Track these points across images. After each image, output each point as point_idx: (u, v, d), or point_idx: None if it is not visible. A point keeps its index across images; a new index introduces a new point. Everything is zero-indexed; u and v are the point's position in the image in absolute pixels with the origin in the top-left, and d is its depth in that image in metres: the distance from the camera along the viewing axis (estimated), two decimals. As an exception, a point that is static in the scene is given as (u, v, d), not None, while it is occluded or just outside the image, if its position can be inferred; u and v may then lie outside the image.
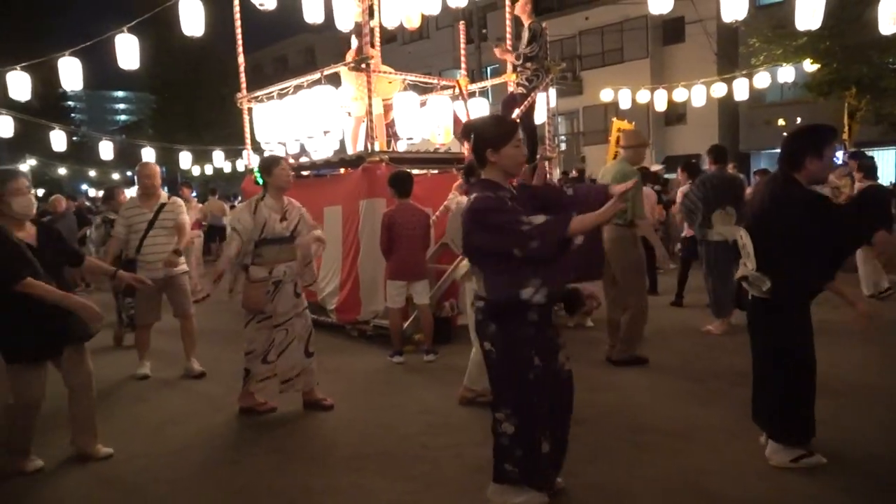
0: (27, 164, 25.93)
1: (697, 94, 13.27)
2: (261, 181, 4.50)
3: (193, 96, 28.14)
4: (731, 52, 18.95)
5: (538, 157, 7.54)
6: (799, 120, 20.95)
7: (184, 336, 5.48)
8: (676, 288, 7.49)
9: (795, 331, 3.17)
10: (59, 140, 13.28)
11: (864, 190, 6.53)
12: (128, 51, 7.59)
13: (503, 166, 2.79)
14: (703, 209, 5.95)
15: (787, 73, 12.46)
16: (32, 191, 3.56)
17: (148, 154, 16.74)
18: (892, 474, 3.17)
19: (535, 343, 2.77)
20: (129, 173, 33.15)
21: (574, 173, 14.84)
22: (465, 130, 2.90)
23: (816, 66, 12.09)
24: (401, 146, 7.68)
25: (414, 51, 28.36)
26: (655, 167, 11.04)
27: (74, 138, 22.77)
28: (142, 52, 7.74)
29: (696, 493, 3.06)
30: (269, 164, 4.40)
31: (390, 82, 7.45)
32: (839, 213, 3.26)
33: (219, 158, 20.28)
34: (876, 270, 7.31)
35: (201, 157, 21.48)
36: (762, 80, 12.51)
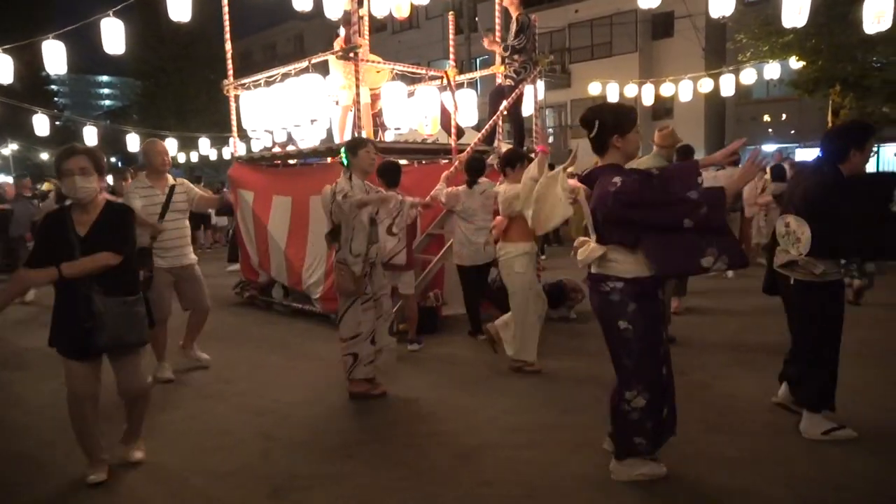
0: (8, 149, 25.58)
1: (685, 89, 13.34)
2: (346, 162, 4.45)
3: (181, 82, 27.87)
4: (719, 48, 19.05)
5: (525, 148, 7.56)
6: (784, 116, 21.24)
7: (193, 326, 5.21)
8: None
9: (837, 308, 3.53)
10: (41, 124, 13.10)
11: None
12: (113, 35, 7.50)
13: (626, 151, 3.00)
14: None
15: (773, 70, 12.54)
16: (89, 174, 3.14)
17: (133, 140, 16.58)
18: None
19: (661, 318, 3.06)
20: (112, 159, 32.82)
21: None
22: (589, 119, 3.00)
23: (802, 64, 12.17)
24: (388, 136, 7.67)
25: (403, 40, 28.25)
26: None
27: (58, 123, 22.46)
28: (128, 37, 7.65)
29: (678, 481, 3.12)
30: (356, 146, 4.43)
31: (378, 72, 7.43)
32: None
33: (205, 146, 20.10)
34: None
35: (187, 144, 21.27)
36: (749, 76, 12.60)
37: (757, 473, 3.16)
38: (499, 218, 5.08)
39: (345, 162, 4.46)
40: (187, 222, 5.01)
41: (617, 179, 2.85)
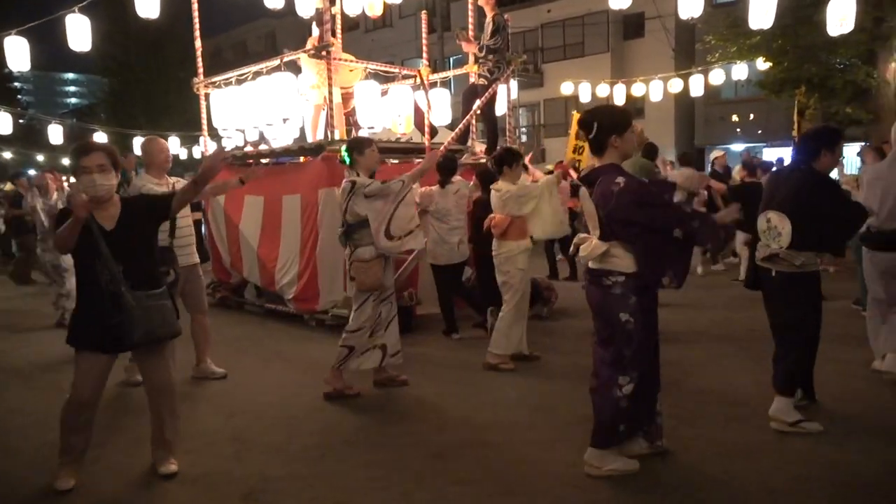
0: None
1: (655, 89, 13.52)
2: (347, 161, 4.46)
3: (149, 80, 27.36)
4: (689, 49, 19.34)
5: (498, 148, 7.59)
6: (752, 116, 21.63)
7: (198, 334, 4.96)
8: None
9: (816, 297, 3.74)
10: (4, 122, 12.79)
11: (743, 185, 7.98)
12: (79, 32, 7.36)
13: (623, 151, 3.15)
14: None
15: (741, 71, 12.77)
16: (108, 171, 3.08)
17: (100, 139, 16.26)
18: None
19: (656, 312, 3.22)
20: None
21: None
22: (587, 121, 3.16)
23: (769, 65, 12.41)
24: (361, 135, 7.64)
25: (376, 39, 28.12)
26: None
27: (21, 121, 21.90)
28: (94, 34, 7.51)
29: (650, 474, 3.16)
30: (362, 145, 4.47)
31: (351, 70, 7.39)
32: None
33: (175, 145, 19.78)
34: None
35: (157, 143, 20.92)
36: (717, 76, 12.81)
37: (726, 466, 3.22)
38: (499, 216, 5.09)
39: (347, 161, 4.48)
40: (192, 220, 4.89)
41: (620, 179, 3.01)
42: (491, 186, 5.29)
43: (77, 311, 3.16)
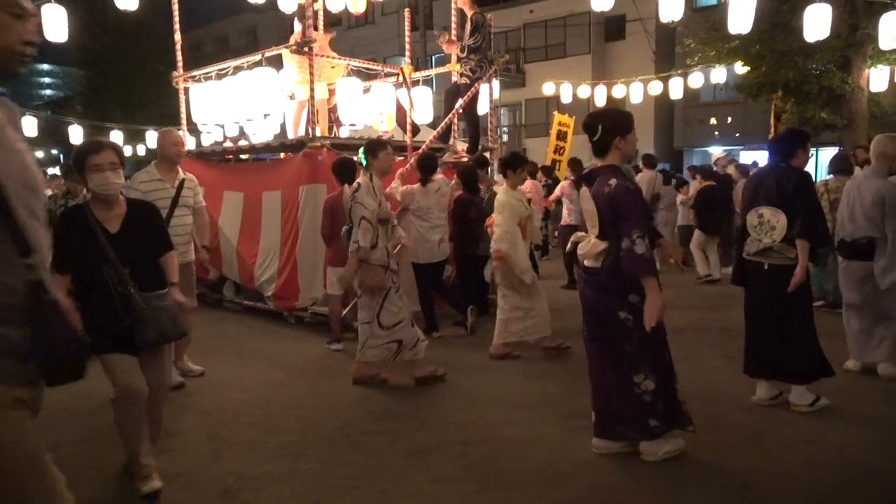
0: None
1: (635, 91, 13.66)
2: (364, 162, 4.53)
3: (127, 73, 26.93)
4: (669, 52, 19.55)
5: (480, 147, 7.61)
6: (730, 119, 21.92)
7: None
8: (567, 274, 8.12)
9: (806, 286, 3.87)
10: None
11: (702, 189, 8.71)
12: (55, 22, 7.21)
13: (625, 152, 3.26)
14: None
15: (719, 75, 12.94)
16: (118, 168, 3.05)
17: (76, 132, 16.01)
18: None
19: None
20: (54, 151, 31.61)
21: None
22: (591, 124, 3.24)
23: (747, 69, 12.58)
24: (343, 132, 7.61)
25: (359, 36, 28.02)
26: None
27: (-6, 113, 21.42)
28: (71, 25, 7.37)
29: (625, 470, 3.20)
30: (376, 147, 4.53)
31: (333, 67, 7.36)
32: None
33: (153, 139, 19.51)
34: (702, 260, 8.87)
35: (134, 138, 20.61)
36: (696, 79, 12.98)
37: (702, 463, 3.27)
38: (496, 216, 5.24)
39: (363, 162, 4.55)
40: (191, 218, 4.77)
41: (613, 181, 3.14)
42: (493, 187, 5.38)
43: (84, 318, 3.01)
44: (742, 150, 21.04)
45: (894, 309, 4.45)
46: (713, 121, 22.48)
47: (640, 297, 3.13)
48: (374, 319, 4.47)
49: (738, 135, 21.73)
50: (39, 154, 29.65)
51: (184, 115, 7.99)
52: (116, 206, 3.10)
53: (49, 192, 7.55)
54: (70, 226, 3.05)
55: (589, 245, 3.24)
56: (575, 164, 8.57)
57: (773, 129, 11.73)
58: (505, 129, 26.04)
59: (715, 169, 10.57)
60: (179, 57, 7.88)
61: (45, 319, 1.61)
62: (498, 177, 11.35)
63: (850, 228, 4.51)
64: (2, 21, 1.62)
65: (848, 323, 4.70)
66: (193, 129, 8.16)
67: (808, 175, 3.96)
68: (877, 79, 11.21)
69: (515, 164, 5.25)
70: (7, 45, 1.64)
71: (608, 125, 3.23)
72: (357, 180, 4.52)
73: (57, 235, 3.00)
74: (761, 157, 17.05)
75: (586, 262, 3.31)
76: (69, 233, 3.01)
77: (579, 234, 3.43)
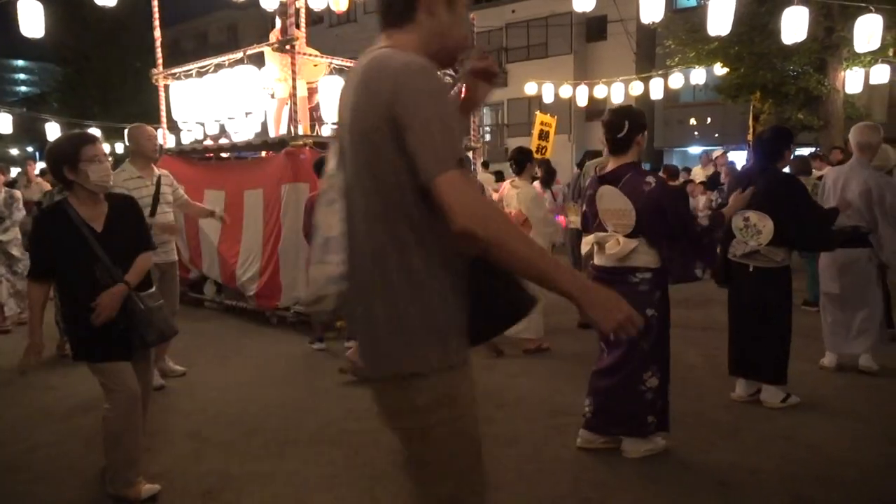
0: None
1: (616, 92, 13.75)
2: None
3: (105, 70, 26.56)
4: (650, 53, 19.70)
5: (462, 146, 7.62)
6: (709, 120, 22.18)
7: None
8: None
9: (788, 289, 3.98)
10: (-51, 110, 12.29)
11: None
12: (32, 17, 7.09)
13: (642, 148, 3.29)
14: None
15: (699, 76, 13.08)
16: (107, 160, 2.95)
17: (53, 129, 15.74)
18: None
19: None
20: (29, 149, 31.05)
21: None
22: (616, 121, 3.24)
23: (726, 70, 12.74)
24: (325, 131, 7.57)
25: (341, 34, 27.89)
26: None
27: (-33, 109, 21.07)
28: (48, 20, 7.26)
29: (607, 467, 3.23)
30: None
31: (315, 65, 7.33)
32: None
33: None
34: None
35: (112, 135, 20.31)
36: (676, 80, 13.11)
37: (680, 460, 3.31)
38: (515, 213, 5.29)
39: None
40: (172, 216, 4.68)
41: (651, 179, 3.18)
42: (510, 183, 5.44)
43: (79, 324, 2.87)
44: (721, 150, 21.26)
45: (873, 298, 4.53)
46: (693, 121, 22.73)
47: (664, 294, 3.24)
48: None
49: (717, 135, 21.98)
50: (15, 151, 29.17)
51: (164, 113, 7.91)
52: (99, 203, 2.97)
53: (47, 188, 7.41)
54: (54, 227, 2.86)
55: (620, 245, 3.20)
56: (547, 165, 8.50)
57: (751, 130, 11.90)
58: (487, 128, 26.09)
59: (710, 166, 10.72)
60: (159, 54, 7.80)
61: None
62: (482, 176, 11.38)
63: (840, 219, 4.39)
64: None
65: (825, 315, 4.73)
66: (174, 127, 8.09)
67: (796, 181, 4.02)
68: (852, 81, 11.42)
69: (525, 160, 5.39)
70: None
71: (634, 122, 3.23)
72: None
73: (38, 239, 2.89)
74: (739, 158, 17.28)
75: (611, 263, 3.27)
76: (54, 235, 2.85)
77: (600, 234, 3.35)
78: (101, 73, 26.72)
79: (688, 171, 12.20)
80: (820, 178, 6.43)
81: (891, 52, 11.09)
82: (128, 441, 2.93)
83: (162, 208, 4.54)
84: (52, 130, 15.65)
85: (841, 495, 2.96)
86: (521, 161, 5.37)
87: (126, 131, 4.67)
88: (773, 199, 3.83)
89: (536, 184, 8.34)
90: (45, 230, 2.88)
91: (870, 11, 7.85)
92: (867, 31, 7.90)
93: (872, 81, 11.05)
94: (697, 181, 10.61)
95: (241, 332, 6.30)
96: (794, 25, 7.43)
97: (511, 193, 5.38)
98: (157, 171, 4.62)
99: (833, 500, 2.91)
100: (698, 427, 3.72)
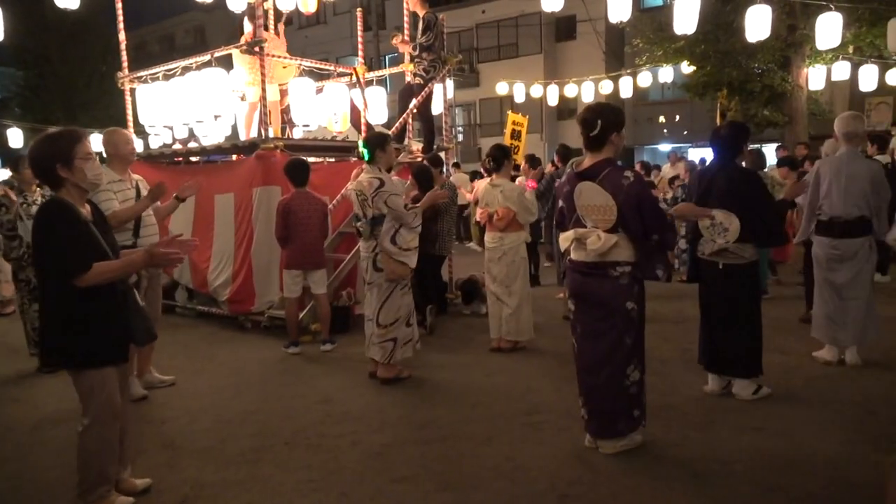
0: None
1: (587, 91, 13.88)
2: (367, 157, 4.52)
3: (68, 73, 25.99)
4: (619, 52, 19.93)
5: (435, 147, 7.63)
6: (678, 118, 22.51)
7: (145, 349, 4.49)
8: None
9: (757, 284, 4.10)
10: None
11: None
12: (-11, 20, 6.91)
13: (618, 147, 3.30)
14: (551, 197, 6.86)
15: (667, 74, 13.27)
16: None
17: (15, 135, 15.36)
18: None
19: None
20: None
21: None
22: (590, 119, 3.24)
23: (693, 68, 12.95)
24: (296, 133, 7.52)
25: (310, 36, 27.72)
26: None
27: (-76, 115, 20.43)
28: (7, 23, 7.07)
29: (583, 463, 3.26)
30: (384, 141, 4.60)
31: (285, 67, 7.27)
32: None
33: (97, 142, 18.89)
34: None
35: (78, 140, 19.92)
36: (645, 79, 13.28)
37: (655, 455, 3.35)
38: (502, 210, 5.29)
39: (366, 157, 4.54)
40: (154, 218, 4.57)
41: (629, 174, 3.22)
42: (489, 182, 5.42)
43: (83, 325, 2.73)
44: (690, 147, 21.62)
45: (870, 289, 4.58)
46: (662, 119, 23.06)
47: (641, 287, 3.29)
48: (375, 317, 4.59)
49: (685, 132, 22.34)
50: (-25, 158, 28.35)
51: (130, 117, 7.77)
52: (86, 202, 2.88)
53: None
54: (73, 220, 2.71)
55: (601, 240, 3.20)
56: (534, 160, 8.47)
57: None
58: (460, 128, 26.14)
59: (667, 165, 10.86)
60: (124, 57, 7.66)
61: None
62: (456, 176, 11.37)
63: (846, 208, 4.45)
64: None
65: (821, 306, 4.69)
66: (141, 132, 7.95)
67: (756, 177, 4.09)
68: (814, 78, 11.66)
69: (504, 157, 5.41)
70: None
71: (607, 120, 3.25)
72: (373, 175, 4.46)
73: (68, 231, 2.69)
74: (708, 154, 17.55)
75: (591, 258, 3.27)
76: (78, 228, 2.71)
77: (580, 230, 3.33)
78: (64, 76, 26.15)
79: (658, 168, 12.35)
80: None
81: (850, 50, 11.38)
82: (105, 456, 2.86)
83: (146, 211, 4.42)
84: (15, 136, 15.27)
85: (811, 483, 3.02)
86: (499, 158, 5.36)
87: (102, 136, 4.56)
88: (735, 195, 3.90)
89: (520, 179, 8.39)
90: (69, 222, 2.71)
91: (830, 10, 8.03)
92: (828, 28, 8.08)
93: (834, 78, 11.28)
94: (666, 179, 10.74)
95: (214, 338, 6.22)
96: (758, 23, 7.57)
97: (493, 193, 5.33)
98: (134, 177, 4.54)
99: (803, 488, 2.97)
100: (672, 420, 3.77)
